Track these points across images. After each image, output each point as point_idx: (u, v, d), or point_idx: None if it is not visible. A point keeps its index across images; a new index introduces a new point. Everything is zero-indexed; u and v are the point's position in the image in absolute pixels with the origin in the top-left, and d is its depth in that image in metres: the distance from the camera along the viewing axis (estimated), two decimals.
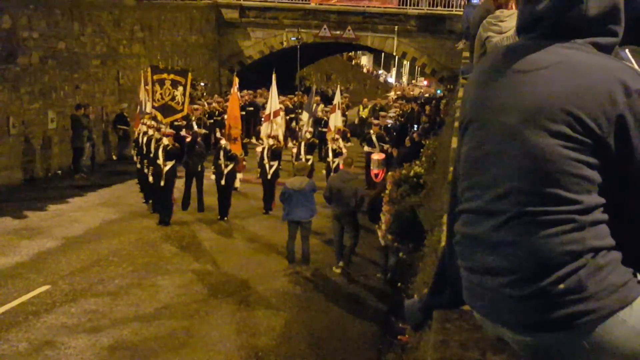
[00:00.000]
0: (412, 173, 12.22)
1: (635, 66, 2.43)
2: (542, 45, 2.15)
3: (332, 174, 21.36)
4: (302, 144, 22.41)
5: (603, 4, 2.14)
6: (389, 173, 14.36)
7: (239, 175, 21.41)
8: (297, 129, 26.97)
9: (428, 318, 2.82)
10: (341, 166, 20.67)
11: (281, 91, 25.27)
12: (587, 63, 2.09)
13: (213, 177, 19.28)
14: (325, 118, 27.99)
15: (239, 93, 23.91)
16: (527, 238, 2.04)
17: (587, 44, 2.14)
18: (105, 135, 27.57)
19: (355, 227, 15.43)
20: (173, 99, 19.37)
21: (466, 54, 14.32)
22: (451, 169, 5.85)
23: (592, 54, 2.12)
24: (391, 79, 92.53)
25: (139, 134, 20.85)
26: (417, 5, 38.13)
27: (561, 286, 2.01)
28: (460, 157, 2.31)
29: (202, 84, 34.89)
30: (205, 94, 33.82)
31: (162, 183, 18.10)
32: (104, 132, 27.44)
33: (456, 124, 8.49)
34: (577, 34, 2.14)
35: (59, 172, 23.98)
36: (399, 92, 60.11)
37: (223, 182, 18.99)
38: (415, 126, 25.59)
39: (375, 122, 25.98)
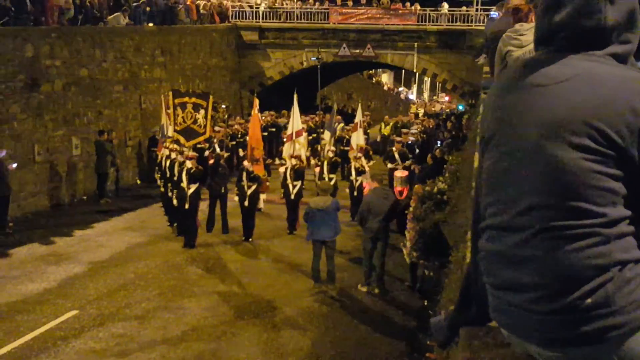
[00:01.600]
0: (435, 189, 12.19)
1: None
2: (561, 57, 2.13)
3: (355, 192, 21.37)
4: (325, 163, 22.42)
5: (621, 12, 2.12)
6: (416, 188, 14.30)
7: (263, 196, 21.45)
8: (319, 149, 26.98)
9: (455, 335, 2.80)
10: (364, 184, 20.70)
11: (302, 111, 25.32)
12: (606, 75, 2.07)
13: (236, 198, 19.31)
14: (347, 137, 28.02)
15: (259, 114, 23.99)
16: (552, 253, 2.02)
17: (606, 56, 2.12)
18: (139, 158, 27.97)
19: (386, 245, 15.34)
20: (195, 122, 19.50)
21: (487, 68, 14.27)
22: (474, 184, 5.83)
23: (611, 65, 2.10)
24: (412, 96, 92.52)
25: (162, 158, 20.97)
26: (437, 21, 38.20)
27: (588, 301, 1.99)
28: (482, 173, 2.30)
29: (224, 106, 35.06)
30: (227, 116, 33.96)
31: (186, 206, 18.17)
32: (138, 155, 27.86)
33: (478, 139, 8.47)
34: (595, 45, 2.12)
35: (85, 197, 24.16)
36: (420, 109, 60.11)
37: (246, 203, 19.01)
38: (439, 142, 25.50)
39: (398, 139, 25.95)
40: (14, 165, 19.62)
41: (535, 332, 2.10)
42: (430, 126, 33.49)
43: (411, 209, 12.86)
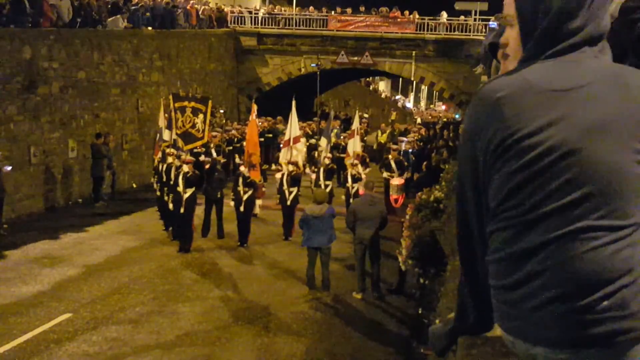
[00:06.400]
0: (432, 198, 12.17)
1: None
2: (568, 61, 2.18)
3: (351, 199, 21.37)
4: (321, 169, 22.40)
5: None
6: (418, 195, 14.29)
7: (258, 202, 21.43)
8: (316, 155, 26.98)
9: (453, 343, 2.79)
10: (360, 191, 20.72)
11: (299, 117, 25.35)
12: (629, 74, 2.19)
13: (232, 203, 19.30)
14: (343, 143, 28.02)
15: (257, 120, 23.99)
16: (575, 254, 2.03)
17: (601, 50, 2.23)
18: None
19: (378, 251, 15.38)
20: (194, 126, 19.52)
21: (485, 78, 14.28)
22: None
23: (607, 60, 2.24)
24: (409, 104, 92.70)
25: (158, 162, 20.96)
26: (435, 30, 38.32)
27: (605, 303, 2.00)
28: (499, 177, 2.23)
29: (222, 111, 35.10)
30: (225, 120, 34.00)
31: (182, 210, 18.16)
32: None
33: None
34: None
35: (80, 200, 24.12)
36: (417, 117, 60.15)
37: (242, 208, 19.00)
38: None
39: (394, 147, 25.95)
40: (9, 167, 19.56)
41: (546, 333, 2.09)
42: (424, 134, 33.52)
43: (407, 217, 12.85)
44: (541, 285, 2.08)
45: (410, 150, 27.78)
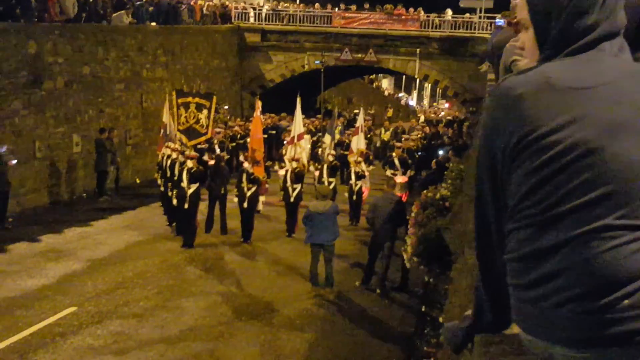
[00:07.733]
0: (438, 196, 12.16)
1: None
2: (587, 59, 2.21)
3: (354, 197, 21.43)
4: (325, 166, 22.41)
5: None
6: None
7: (262, 198, 21.44)
8: (319, 152, 26.98)
9: (469, 341, 2.79)
10: (364, 188, 20.79)
11: (303, 114, 25.34)
12: None
13: (236, 199, 19.31)
14: (347, 141, 28.02)
15: (261, 116, 23.98)
16: (597, 253, 2.03)
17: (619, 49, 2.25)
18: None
19: (392, 247, 15.42)
20: (197, 122, 19.53)
21: (491, 75, 14.26)
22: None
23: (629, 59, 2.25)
24: (412, 102, 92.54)
25: (162, 158, 20.97)
26: (439, 28, 38.24)
27: (626, 302, 1.99)
28: (518, 175, 2.23)
29: (226, 107, 35.07)
30: (229, 117, 33.99)
31: (186, 206, 18.17)
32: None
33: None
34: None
35: (84, 195, 24.14)
36: (420, 115, 60.06)
37: (245, 204, 19.00)
38: (441, 151, 25.52)
39: (398, 144, 25.96)
40: (14, 161, 19.59)
41: (565, 332, 2.08)
42: (428, 132, 33.50)
43: (413, 214, 12.84)
44: (560, 284, 2.08)
45: (417, 151, 27.75)
